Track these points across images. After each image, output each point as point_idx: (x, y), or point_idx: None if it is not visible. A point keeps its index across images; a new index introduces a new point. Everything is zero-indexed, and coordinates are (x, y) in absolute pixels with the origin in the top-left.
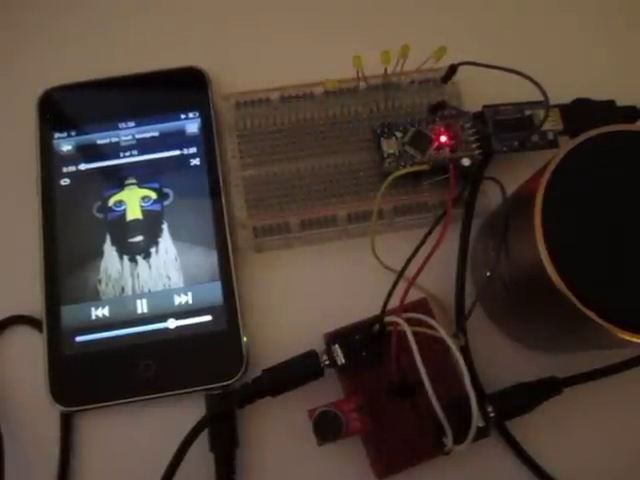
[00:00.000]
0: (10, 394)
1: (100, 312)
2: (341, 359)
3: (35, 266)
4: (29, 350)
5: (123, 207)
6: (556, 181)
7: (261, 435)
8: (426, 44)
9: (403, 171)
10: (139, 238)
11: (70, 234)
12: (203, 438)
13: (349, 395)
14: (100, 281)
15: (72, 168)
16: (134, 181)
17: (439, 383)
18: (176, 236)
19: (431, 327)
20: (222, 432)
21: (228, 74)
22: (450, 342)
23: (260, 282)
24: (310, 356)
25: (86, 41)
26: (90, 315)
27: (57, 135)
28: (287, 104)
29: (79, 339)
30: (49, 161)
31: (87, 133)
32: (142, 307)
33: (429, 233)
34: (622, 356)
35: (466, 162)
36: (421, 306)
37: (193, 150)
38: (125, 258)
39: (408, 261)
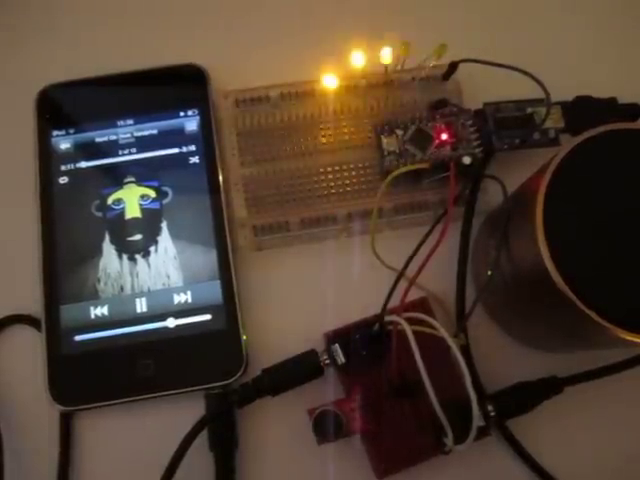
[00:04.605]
0: (9, 393)
1: (99, 311)
2: (341, 358)
3: (34, 265)
4: (28, 349)
5: (122, 205)
6: (557, 180)
7: (261, 434)
8: (427, 41)
9: (404, 169)
10: (138, 237)
11: (69, 233)
12: (203, 437)
13: (349, 394)
14: (99, 280)
15: (70, 166)
16: (133, 179)
17: (439, 382)
18: (175, 235)
19: (431, 326)
20: (222, 431)
21: (227, 71)
22: (450, 341)
23: (260, 281)
24: (310, 355)
25: (85, 38)
26: (89, 314)
27: (55, 133)
28: (287, 102)
29: (78, 338)
30: (47, 159)
31: (85, 131)
32: (141, 306)
33: (430, 232)
34: (623, 355)
35: (467, 160)
36: (421, 305)
37: (192, 148)
38: (124, 257)
39: (409, 260)
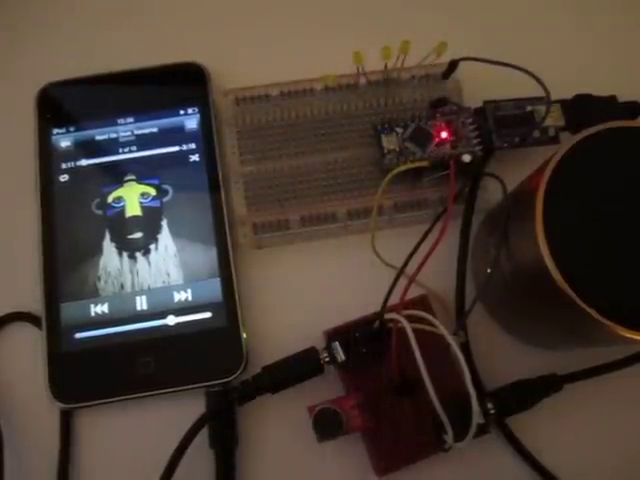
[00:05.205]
0: (10, 391)
1: (99, 309)
2: (341, 356)
3: (34, 263)
4: (29, 347)
5: (122, 203)
6: (557, 178)
7: (261, 432)
8: (427, 40)
9: (403, 167)
10: (138, 235)
11: (69, 231)
12: (203, 435)
13: (349, 392)
14: (99, 278)
15: (71, 164)
16: (133, 177)
17: (439, 380)
18: (175, 233)
19: (431, 324)
20: (222, 429)
21: (227, 70)
22: (450, 339)
23: (260, 279)
24: (310, 353)
25: (85, 36)
26: (89, 312)
27: (56, 131)
28: (287, 100)
29: (78, 336)
30: (48, 157)
31: (86, 129)
32: (141, 304)
33: (429, 230)
34: (622, 353)
35: (467, 158)
36: (421, 303)
37: (192, 146)
38: (124, 255)
39: (408, 258)
